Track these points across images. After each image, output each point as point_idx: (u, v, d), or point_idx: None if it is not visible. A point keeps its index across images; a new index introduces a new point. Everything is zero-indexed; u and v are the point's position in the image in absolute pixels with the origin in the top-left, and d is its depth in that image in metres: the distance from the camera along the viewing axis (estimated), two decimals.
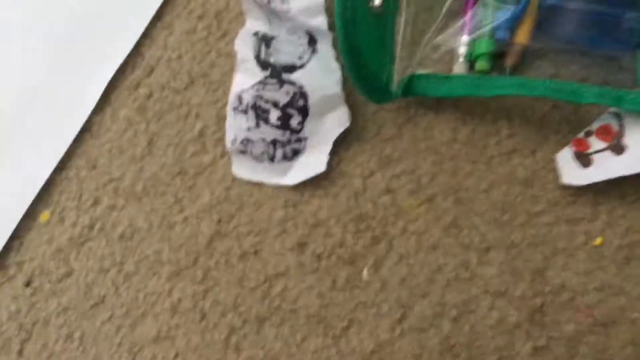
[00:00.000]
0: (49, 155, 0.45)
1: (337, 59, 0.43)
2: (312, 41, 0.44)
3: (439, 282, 0.40)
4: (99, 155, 0.45)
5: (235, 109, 0.42)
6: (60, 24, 0.47)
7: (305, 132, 0.42)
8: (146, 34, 0.47)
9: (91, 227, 0.44)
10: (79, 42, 0.47)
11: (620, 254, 0.39)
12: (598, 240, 0.39)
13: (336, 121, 0.42)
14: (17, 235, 0.44)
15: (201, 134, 0.45)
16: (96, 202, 0.44)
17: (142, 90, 0.46)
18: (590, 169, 0.37)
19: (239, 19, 0.47)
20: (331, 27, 0.43)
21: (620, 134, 0.38)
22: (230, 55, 0.45)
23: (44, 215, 0.45)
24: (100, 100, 0.46)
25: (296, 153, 0.42)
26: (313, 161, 0.42)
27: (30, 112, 0.46)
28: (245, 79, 0.42)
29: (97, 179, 0.45)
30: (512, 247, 0.40)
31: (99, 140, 0.46)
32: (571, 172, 0.38)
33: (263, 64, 0.41)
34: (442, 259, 0.40)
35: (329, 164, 0.42)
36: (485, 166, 0.42)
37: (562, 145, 0.40)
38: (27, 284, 0.43)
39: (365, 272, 0.41)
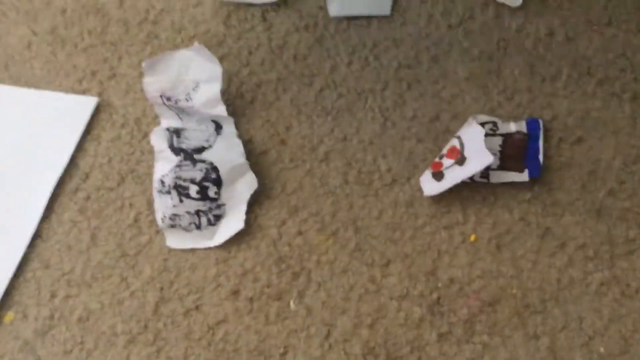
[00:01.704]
0: (6, 263, 0.55)
1: (239, 136, 0.56)
2: (218, 126, 0.57)
3: (353, 298, 0.51)
4: (50, 255, 0.56)
5: (160, 191, 0.54)
6: (2, 148, 0.60)
7: (223, 199, 0.54)
8: (79, 147, 0.60)
9: (51, 317, 0.54)
10: (21, 162, 0.59)
11: (492, 245, 0.52)
12: (472, 237, 0.52)
13: (246, 185, 0.55)
14: None
15: (136, 219, 0.56)
16: (53, 295, 0.55)
17: (81, 194, 0.58)
18: (442, 181, 0.51)
19: (155, 121, 0.61)
20: (229, 112, 0.57)
21: (462, 150, 0.52)
22: (152, 152, 0.58)
23: (8, 317, 0.55)
24: (46, 209, 0.57)
25: (218, 218, 0.54)
26: (233, 222, 0.54)
27: None
28: (164, 165, 0.55)
29: (52, 275, 0.55)
30: (406, 258, 0.52)
31: (49, 242, 0.57)
32: (429, 187, 0.52)
33: (176, 151, 0.55)
34: (353, 279, 0.52)
35: (247, 221, 0.54)
36: (374, 198, 0.55)
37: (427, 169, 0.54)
38: None
39: (292, 304, 0.52)
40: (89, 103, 0.62)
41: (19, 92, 0.64)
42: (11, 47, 0.67)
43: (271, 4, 0.65)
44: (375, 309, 0.51)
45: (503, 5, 0.62)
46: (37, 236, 0.57)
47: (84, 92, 0.64)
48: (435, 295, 0.51)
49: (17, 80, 0.65)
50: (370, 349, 0.49)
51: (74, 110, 0.62)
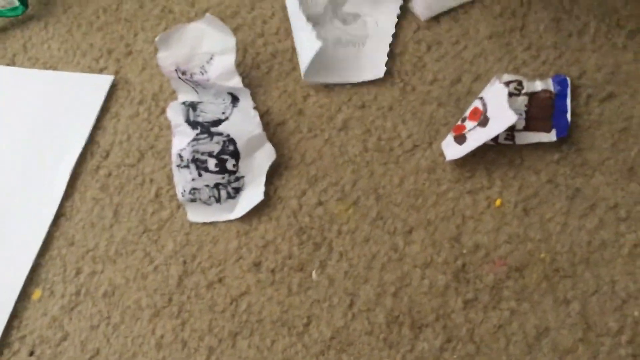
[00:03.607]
0: (32, 242, 0.57)
1: (255, 107, 0.56)
2: (234, 98, 0.57)
3: (375, 267, 0.51)
4: (74, 232, 0.57)
5: (178, 166, 0.55)
6: (23, 131, 0.61)
7: (241, 172, 0.55)
8: (98, 125, 0.61)
9: (78, 293, 0.55)
10: (41, 144, 0.61)
11: (518, 209, 0.51)
12: (497, 202, 0.51)
13: (264, 157, 0.55)
14: (15, 315, 0.56)
15: (157, 194, 0.57)
16: (79, 272, 0.56)
17: (102, 172, 0.60)
18: (465, 144, 0.50)
19: (172, 96, 0.61)
20: (245, 84, 0.57)
21: (484, 111, 0.51)
22: (170, 127, 0.59)
23: (36, 294, 0.56)
24: (68, 188, 0.59)
25: (237, 190, 0.55)
26: (253, 194, 0.54)
27: (11, 209, 0.59)
28: (181, 139, 0.55)
29: (77, 253, 0.57)
30: (429, 225, 0.52)
31: (72, 220, 0.58)
32: (451, 151, 0.51)
33: (193, 125, 0.55)
34: (375, 248, 0.52)
35: (266, 193, 0.55)
36: (394, 165, 0.54)
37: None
38: (31, 354, 0.54)
39: (314, 274, 0.52)
40: (104, 81, 0.63)
41: (37, 74, 0.65)
42: (28, 29, 0.68)
43: None
44: (399, 278, 0.51)
45: None
46: (60, 214, 0.58)
47: (101, 70, 0.65)
48: (460, 262, 0.50)
49: (35, 62, 0.66)
50: (394, 318, 0.49)
51: (90, 90, 0.63)
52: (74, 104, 0.62)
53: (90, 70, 0.65)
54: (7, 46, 0.68)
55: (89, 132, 0.61)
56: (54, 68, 0.66)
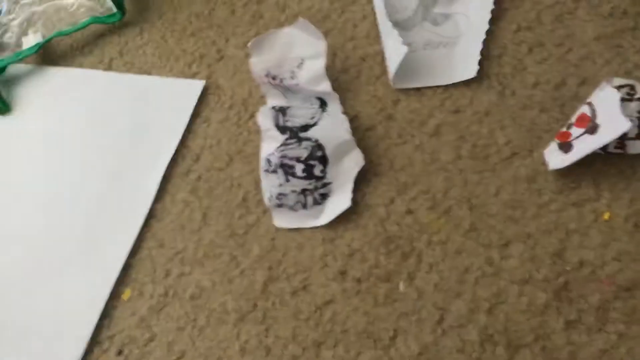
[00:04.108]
0: (123, 242, 0.59)
1: (344, 112, 0.55)
2: (323, 103, 0.57)
3: (468, 281, 0.49)
4: (164, 234, 0.59)
5: (266, 171, 0.55)
6: (118, 134, 0.64)
7: (329, 177, 0.54)
8: (189, 129, 0.62)
9: (166, 294, 0.56)
10: (135, 147, 0.63)
11: (629, 223, 0.47)
12: (606, 215, 0.48)
13: (353, 162, 0.54)
14: (106, 314, 0.57)
15: (244, 199, 0.57)
16: (167, 274, 0.57)
17: (192, 175, 0.60)
18: (570, 153, 0.47)
19: (262, 100, 0.61)
20: (335, 88, 0.56)
21: (593, 117, 0.47)
22: (259, 132, 0.59)
23: (126, 293, 0.58)
24: (159, 190, 0.60)
25: (324, 197, 0.54)
26: (340, 200, 0.54)
27: (103, 210, 0.61)
28: (270, 144, 0.55)
29: (166, 254, 0.58)
30: (529, 238, 0.49)
31: (163, 222, 0.59)
32: (555, 160, 0.48)
33: (282, 129, 0.55)
34: (468, 261, 0.49)
35: (354, 200, 0.53)
36: (490, 173, 0.52)
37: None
38: (119, 353, 0.55)
39: (401, 285, 0.50)
40: (196, 86, 0.64)
41: (132, 79, 0.67)
42: (124, 35, 0.71)
43: None
44: (494, 294, 0.48)
45: None
46: (151, 216, 0.59)
47: (193, 75, 0.66)
48: (562, 280, 0.47)
49: (130, 67, 0.68)
50: (488, 336, 0.47)
51: (182, 94, 0.64)
52: (166, 108, 0.64)
53: (183, 75, 0.66)
54: (105, 51, 0.71)
55: (180, 136, 0.62)
56: (148, 73, 0.67)
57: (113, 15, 0.70)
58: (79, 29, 0.70)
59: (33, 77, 0.71)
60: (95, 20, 0.70)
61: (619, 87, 0.49)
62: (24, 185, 0.64)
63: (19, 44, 0.72)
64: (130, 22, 0.72)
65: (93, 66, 0.70)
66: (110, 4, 0.70)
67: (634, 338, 0.44)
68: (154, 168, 0.61)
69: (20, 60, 0.71)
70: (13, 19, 0.73)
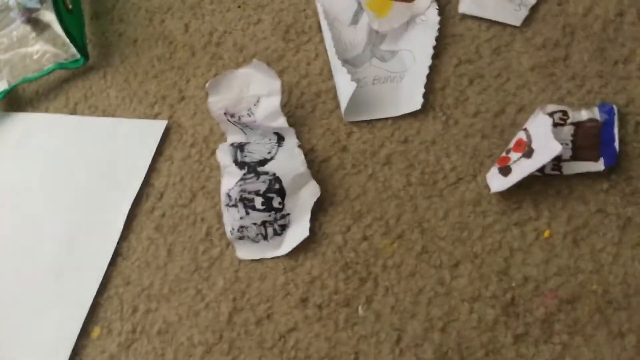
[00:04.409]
0: (91, 281, 0.60)
1: (300, 145, 0.59)
2: (280, 138, 0.60)
3: (422, 302, 0.52)
4: (130, 272, 0.61)
5: (227, 205, 0.57)
6: (83, 175, 0.66)
7: (287, 209, 0.57)
8: (152, 168, 0.65)
9: (134, 331, 0.58)
10: (100, 187, 0.65)
11: (568, 240, 0.51)
12: (546, 233, 0.51)
13: (309, 193, 0.57)
14: (76, 352, 0.59)
15: (208, 233, 0.60)
16: (135, 310, 0.59)
17: (157, 212, 0.63)
18: (510, 176, 0.50)
19: (222, 138, 0.64)
20: (291, 123, 0.60)
21: (529, 142, 0.51)
22: (219, 168, 0.61)
23: (95, 332, 0.59)
24: (124, 228, 0.62)
25: (284, 227, 0.57)
26: (299, 230, 0.56)
27: (71, 252, 0.63)
28: (230, 179, 0.58)
29: (133, 291, 0.60)
30: (476, 258, 0.52)
31: (129, 260, 0.61)
32: (496, 183, 0.52)
33: (241, 165, 0.58)
34: (421, 282, 0.52)
35: (312, 229, 0.56)
36: (438, 198, 0.55)
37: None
38: None
39: (360, 309, 0.53)
40: (159, 126, 0.67)
41: (96, 121, 0.70)
42: (89, 79, 0.73)
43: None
44: (446, 312, 0.51)
45: None
46: (117, 254, 0.61)
47: (155, 115, 0.69)
48: (509, 296, 0.50)
49: (95, 110, 0.71)
50: (443, 354, 0.49)
51: (145, 134, 0.67)
52: (130, 148, 0.66)
53: (146, 115, 0.69)
54: (70, 96, 0.73)
55: (144, 175, 0.64)
56: (112, 115, 0.70)
57: (77, 60, 0.73)
58: (44, 75, 0.73)
59: None
60: (60, 66, 0.73)
61: (552, 113, 0.53)
62: None
63: None
64: (93, 66, 0.75)
65: (58, 110, 0.72)
66: (74, 50, 0.72)
67: (578, 347, 0.47)
68: (119, 207, 0.63)
69: None
70: None
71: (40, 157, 0.69)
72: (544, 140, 0.50)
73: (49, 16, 0.74)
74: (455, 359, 0.49)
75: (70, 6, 0.74)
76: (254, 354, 0.54)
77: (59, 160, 0.68)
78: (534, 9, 0.62)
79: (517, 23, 0.61)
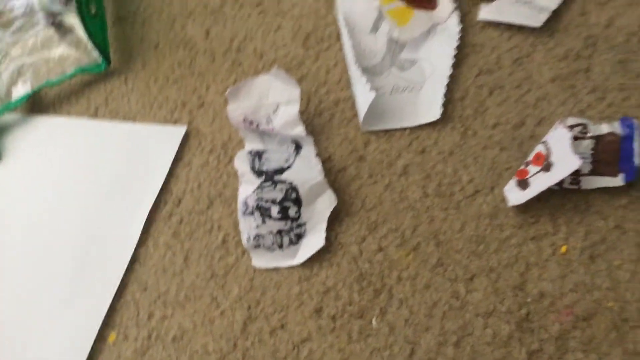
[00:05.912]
0: (108, 286, 0.63)
1: (317, 154, 0.60)
2: (297, 146, 0.61)
3: (436, 315, 0.53)
4: (147, 278, 0.62)
5: (244, 213, 0.59)
6: (103, 180, 0.68)
7: (303, 218, 0.58)
8: (171, 174, 0.67)
9: (149, 337, 0.60)
10: (119, 192, 0.67)
11: (585, 255, 0.51)
12: (563, 249, 0.52)
13: (326, 203, 0.58)
14: (92, 357, 0.61)
15: (224, 241, 0.62)
16: (150, 316, 0.61)
17: (174, 219, 0.65)
18: (528, 189, 0.51)
19: (240, 144, 0.66)
20: (308, 132, 0.61)
21: (548, 156, 0.52)
22: (237, 175, 0.63)
23: (111, 337, 0.61)
24: (142, 234, 0.64)
25: (299, 237, 0.58)
26: (314, 240, 0.58)
27: (89, 256, 0.65)
28: (247, 187, 0.59)
29: (149, 297, 0.62)
30: (492, 272, 0.53)
31: (146, 266, 0.63)
32: (514, 196, 0.52)
33: (258, 173, 0.59)
34: (435, 295, 0.53)
35: (328, 239, 0.58)
36: (455, 210, 0.56)
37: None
38: None
39: (374, 322, 0.54)
40: (178, 132, 0.69)
41: (116, 126, 0.72)
42: (110, 83, 0.76)
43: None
44: (461, 326, 0.52)
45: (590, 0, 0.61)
46: (135, 260, 0.63)
47: (175, 121, 0.71)
48: (524, 311, 0.51)
49: (115, 114, 0.73)
50: None
51: (165, 140, 0.69)
52: (149, 153, 0.68)
53: (166, 121, 0.71)
54: (91, 100, 0.75)
55: (163, 181, 0.66)
56: (133, 120, 0.72)
57: (99, 65, 0.75)
58: (66, 79, 0.75)
59: (21, 127, 0.76)
60: (82, 70, 0.75)
61: (572, 127, 0.54)
62: (10, 232, 0.69)
63: (8, 94, 0.76)
64: (115, 71, 0.77)
65: (79, 114, 0.75)
66: (96, 54, 0.75)
67: None
68: (138, 213, 0.65)
69: (9, 111, 0.76)
70: (4, 70, 0.78)
71: (60, 160, 0.72)
72: (563, 154, 0.51)
73: (72, 20, 0.77)
74: None
75: (94, 10, 0.76)
76: None
77: (78, 164, 0.71)
78: (556, 19, 0.62)
79: (538, 24, 0.61)
